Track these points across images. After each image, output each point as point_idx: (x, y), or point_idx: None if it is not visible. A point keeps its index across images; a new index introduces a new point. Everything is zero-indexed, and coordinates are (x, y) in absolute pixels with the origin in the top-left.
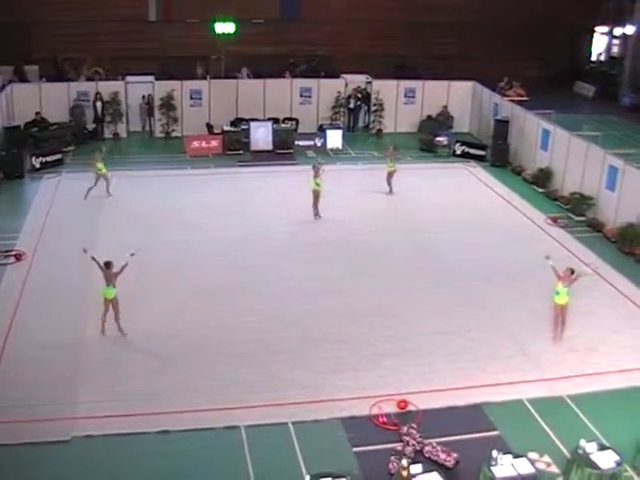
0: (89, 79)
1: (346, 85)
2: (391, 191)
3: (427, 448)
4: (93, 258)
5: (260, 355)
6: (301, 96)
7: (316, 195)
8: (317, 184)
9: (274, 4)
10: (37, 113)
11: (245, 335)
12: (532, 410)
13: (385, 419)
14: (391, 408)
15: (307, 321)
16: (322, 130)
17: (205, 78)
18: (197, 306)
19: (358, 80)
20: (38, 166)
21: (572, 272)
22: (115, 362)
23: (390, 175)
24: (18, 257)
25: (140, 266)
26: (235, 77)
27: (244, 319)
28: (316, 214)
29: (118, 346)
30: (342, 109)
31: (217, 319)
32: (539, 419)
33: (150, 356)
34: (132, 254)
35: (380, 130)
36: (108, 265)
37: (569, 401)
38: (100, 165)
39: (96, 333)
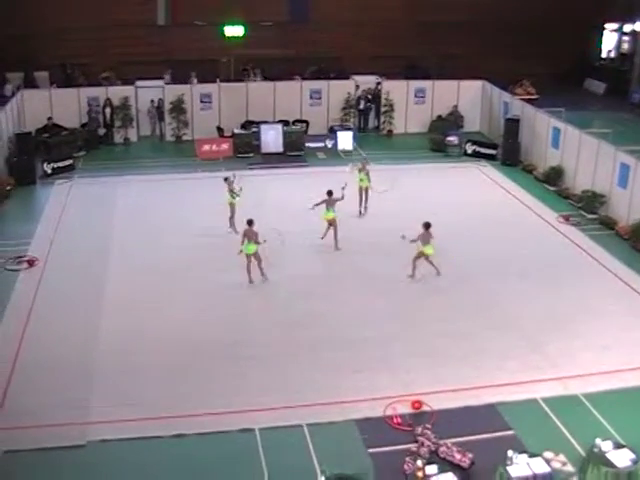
0: (99, 84)
1: (357, 87)
2: (365, 210)
3: (442, 449)
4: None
5: (273, 357)
6: (311, 98)
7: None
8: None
9: (283, 7)
10: (49, 118)
11: (257, 337)
12: (547, 409)
13: (400, 420)
14: (405, 409)
15: (319, 323)
16: (332, 132)
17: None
18: (209, 309)
19: (368, 81)
20: (49, 172)
21: (428, 226)
22: (128, 366)
23: (364, 191)
24: (31, 263)
25: (151, 269)
26: (248, 74)
27: (256, 321)
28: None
29: (131, 351)
30: (352, 110)
31: (229, 322)
32: (554, 418)
33: (163, 360)
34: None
35: (391, 131)
36: (250, 223)
37: (584, 399)
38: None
39: (110, 337)
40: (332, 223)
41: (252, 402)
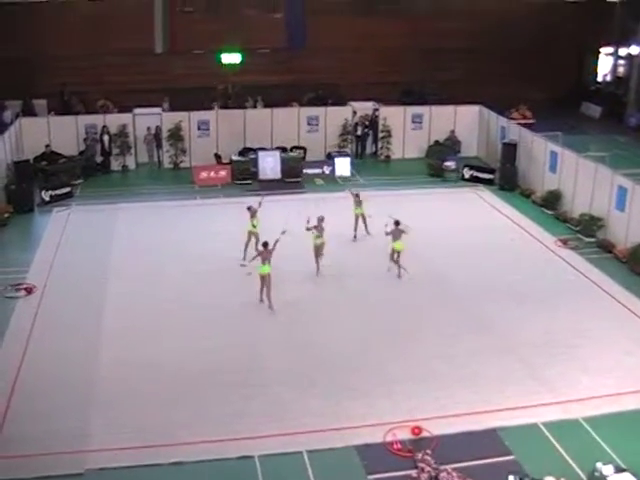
0: (96, 112)
1: (354, 113)
2: (368, 233)
3: (443, 474)
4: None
5: (271, 384)
6: (308, 124)
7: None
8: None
9: (280, 34)
10: (47, 146)
11: (256, 364)
12: (547, 433)
13: (400, 446)
14: (405, 435)
15: (317, 348)
16: (330, 158)
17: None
18: (207, 336)
19: (365, 107)
20: (48, 199)
21: (397, 223)
22: (127, 394)
23: (360, 218)
24: (29, 290)
25: (150, 296)
26: (250, 102)
27: (254, 348)
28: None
29: (129, 378)
30: (350, 136)
31: (227, 349)
32: (555, 442)
33: (161, 387)
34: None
35: (388, 156)
36: (265, 245)
37: (584, 423)
38: (255, 222)
39: (109, 364)
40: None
41: (251, 429)
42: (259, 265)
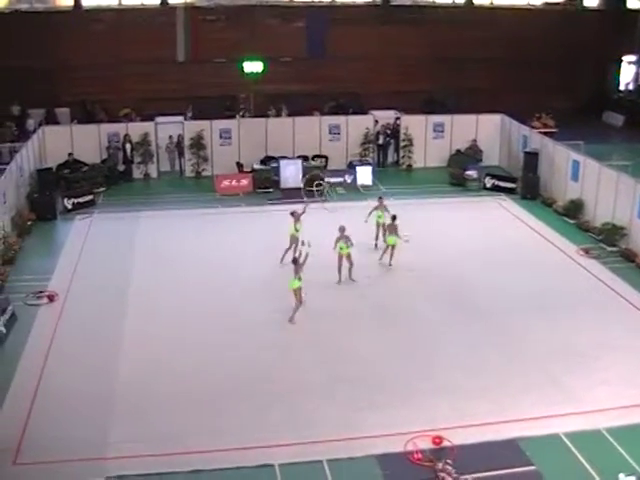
0: (119, 120)
1: (375, 122)
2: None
3: None
4: (300, 255)
5: (291, 393)
6: (330, 133)
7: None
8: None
9: (301, 43)
10: (70, 154)
11: (276, 374)
12: (569, 444)
13: (420, 455)
14: (426, 444)
15: (335, 360)
16: (352, 167)
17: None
18: (227, 345)
19: (386, 116)
20: (70, 207)
21: (394, 219)
22: (147, 402)
23: (381, 227)
24: (51, 298)
25: (171, 305)
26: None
27: (274, 358)
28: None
29: (150, 387)
30: (371, 145)
31: (247, 358)
32: (576, 453)
33: (181, 396)
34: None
35: (410, 165)
36: (295, 261)
37: (606, 434)
38: (298, 226)
39: (129, 372)
40: (348, 257)
41: (271, 438)
42: (291, 279)
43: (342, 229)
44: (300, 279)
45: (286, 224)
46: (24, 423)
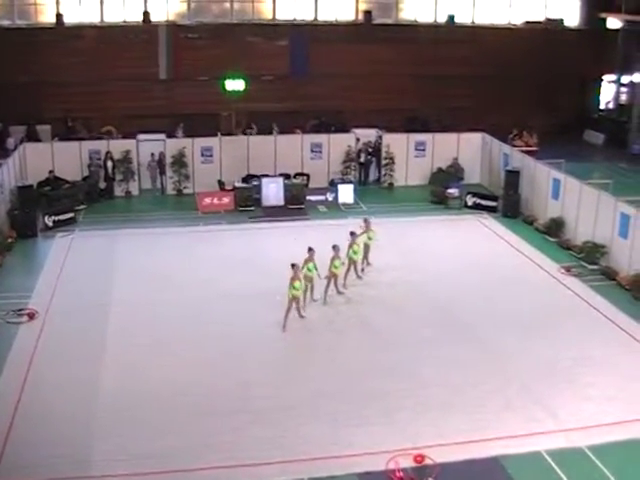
0: (100, 138)
1: (357, 140)
2: (368, 264)
3: None
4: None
5: (273, 411)
6: (312, 151)
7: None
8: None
9: (283, 62)
10: (51, 171)
11: (257, 391)
12: (551, 462)
13: (402, 474)
14: (408, 462)
15: (319, 376)
16: (333, 185)
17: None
18: (210, 363)
19: (368, 134)
20: (51, 225)
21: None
22: (128, 421)
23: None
24: (31, 316)
25: (152, 323)
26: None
27: (256, 375)
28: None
29: (131, 405)
30: (353, 163)
31: (228, 376)
32: (558, 471)
33: (162, 414)
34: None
35: (391, 184)
36: (293, 266)
37: (588, 452)
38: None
39: (110, 391)
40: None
41: (252, 456)
42: (291, 287)
43: (336, 248)
44: (298, 287)
45: (267, 241)
46: (3, 443)
